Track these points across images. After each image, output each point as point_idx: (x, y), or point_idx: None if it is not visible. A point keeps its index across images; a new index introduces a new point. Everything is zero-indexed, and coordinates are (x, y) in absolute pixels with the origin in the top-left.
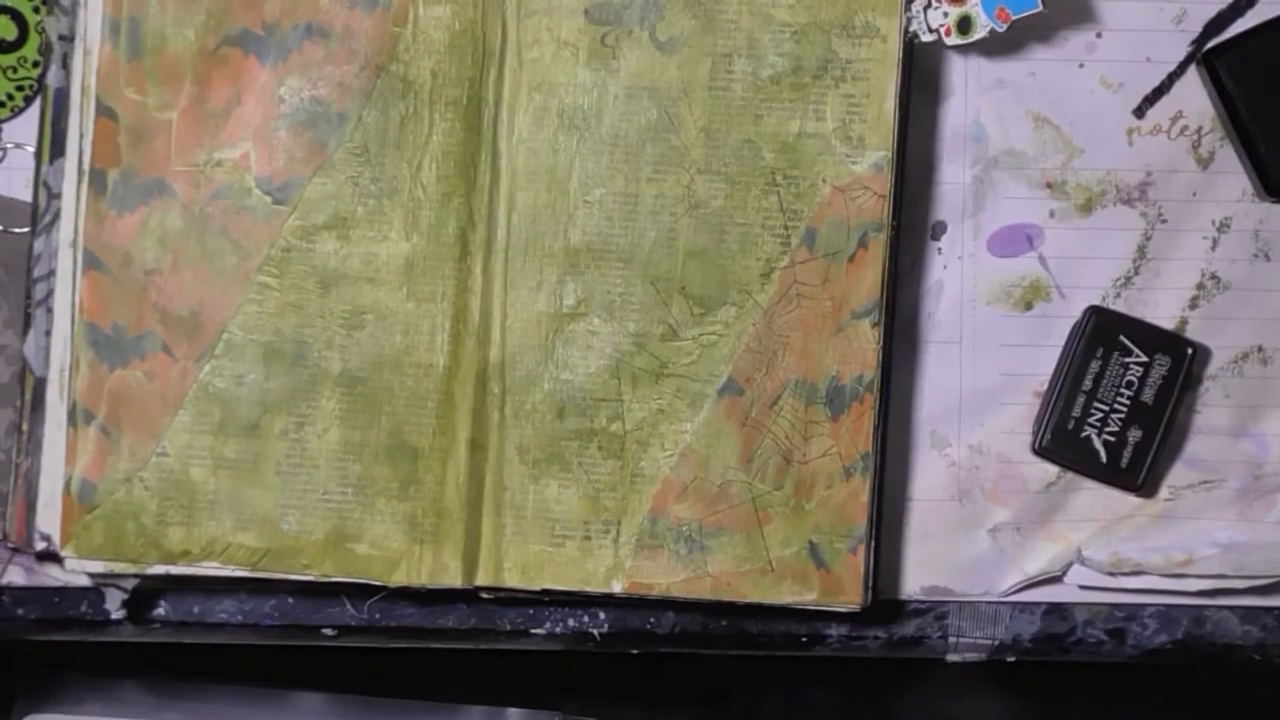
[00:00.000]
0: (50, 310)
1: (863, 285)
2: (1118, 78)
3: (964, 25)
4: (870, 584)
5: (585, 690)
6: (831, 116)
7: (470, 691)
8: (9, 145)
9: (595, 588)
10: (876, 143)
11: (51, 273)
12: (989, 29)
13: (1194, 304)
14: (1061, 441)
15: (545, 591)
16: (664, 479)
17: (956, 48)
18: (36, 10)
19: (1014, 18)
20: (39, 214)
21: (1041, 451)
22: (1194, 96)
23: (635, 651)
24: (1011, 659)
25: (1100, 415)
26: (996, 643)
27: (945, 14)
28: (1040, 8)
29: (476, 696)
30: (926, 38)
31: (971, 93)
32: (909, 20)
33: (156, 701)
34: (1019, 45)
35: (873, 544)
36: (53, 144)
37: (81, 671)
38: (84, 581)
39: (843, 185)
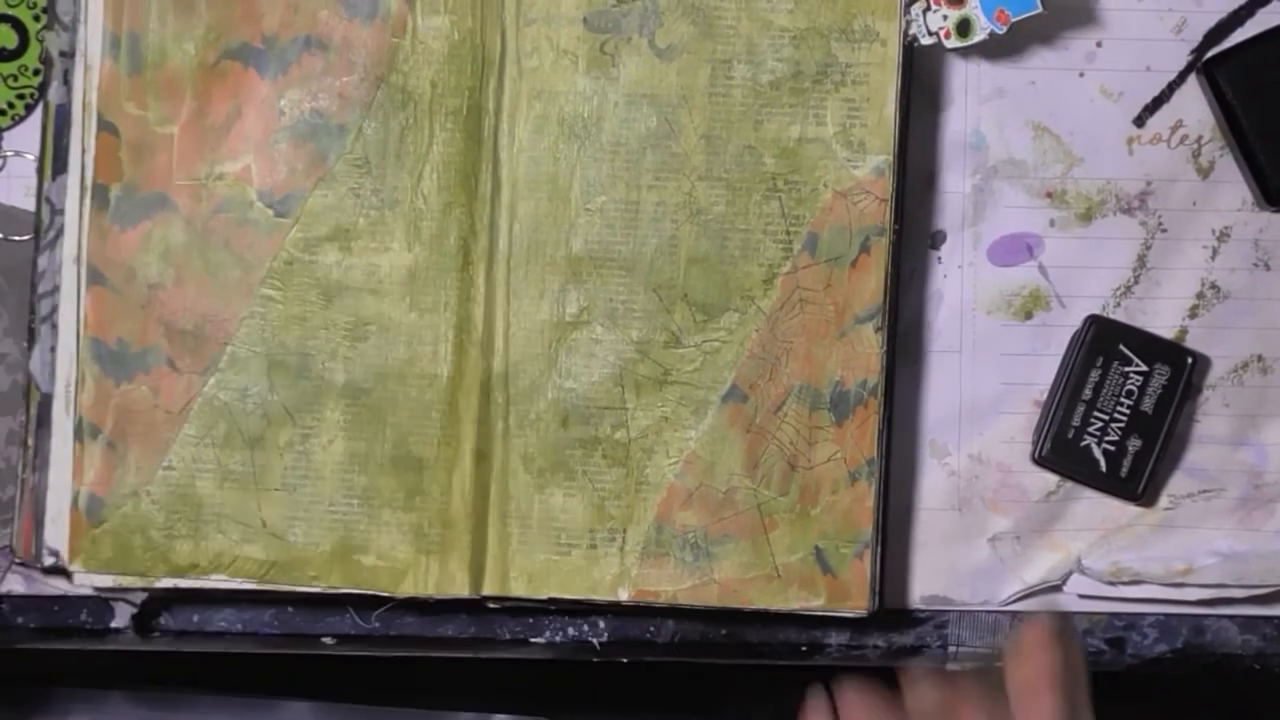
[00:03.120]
0: (55, 326)
1: (865, 290)
2: (1118, 87)
3: (963, 28)
4: (877, 589)
5: (574, 698)
6: (832, 121)
7: (459, 697)
8: (9, 153)
9: (602, 596)
10: (877, 146)
11: (55, 289)
12: (988, 31)
13: (1194, 313)
14: (1061, 451)
15: (551, 600)
16: (669, 486)
17: (956, 50)
18: (37, 19)
19: (1013, 19)
20: (42, 230)
21: (1041, 461)
22: (1194, 106)
23: (625, 660)
24: None
25: (1100, 424)
26: (996, 652)
27: (944, 17)
28: (1040, 9)
29: (465, 702)
30: (926, 41)
31: (971, 101)
32: (908, 23)
33: (145, 713)
34: (1019, 54)
35: (879, 549)
36: (55, 160)
37: (69, 683)
38: (85, 590)
39: (844, 190)
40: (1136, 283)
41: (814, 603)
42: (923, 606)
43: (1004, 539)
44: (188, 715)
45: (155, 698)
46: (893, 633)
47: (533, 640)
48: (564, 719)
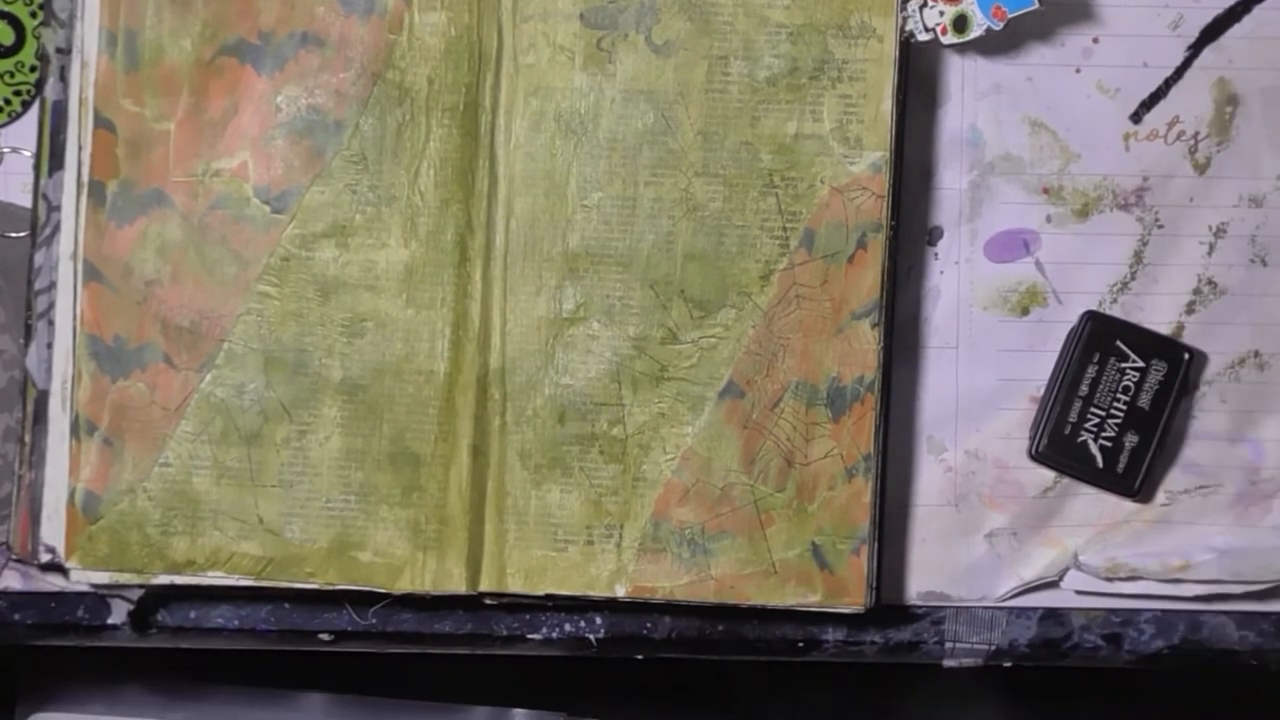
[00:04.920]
0: (51, 323)
1: (862, 286)
2: (1115, 83)
3: (960, 24)
4: (874, 585)
5: (591, 691)
6: (829, 117)
7: (475, 691)
8: (6, 150)
9: (599, 592)
10: (874, 143)
11: (52, 285)
12: (985, 27)
13: (1191, 309)
14: (1058, 447)
15: (548, 596)
16: (666, 482)
17: (953, 47)
18: (34, 15)
19: (1010, 15)
20: (39, 226)
21: (1038, 457)
22: (1191, 102)
23: (639, 657)
24: (1008, 664)
25: (1097, 420)
26: (993, 648)
27: (941, 13)
28: (1036, 5)
29: (482, 696)
30: (923, 37)
31: (968, 98)
32: (905, 20)
33: (161, 701)
34: (1016, 50)
35: (876, 545)
36: (51, 156)
37: (85, 671)
38: (82, 586)
39: (841, 186)
40: (1133, 279)
41: (811, 599)
42: (920, 603)
43: (1001, 535)
44: (203, 706)
45: (170, 688)
46: (889, 629)
47: (529, 636)
48: (582, 711)
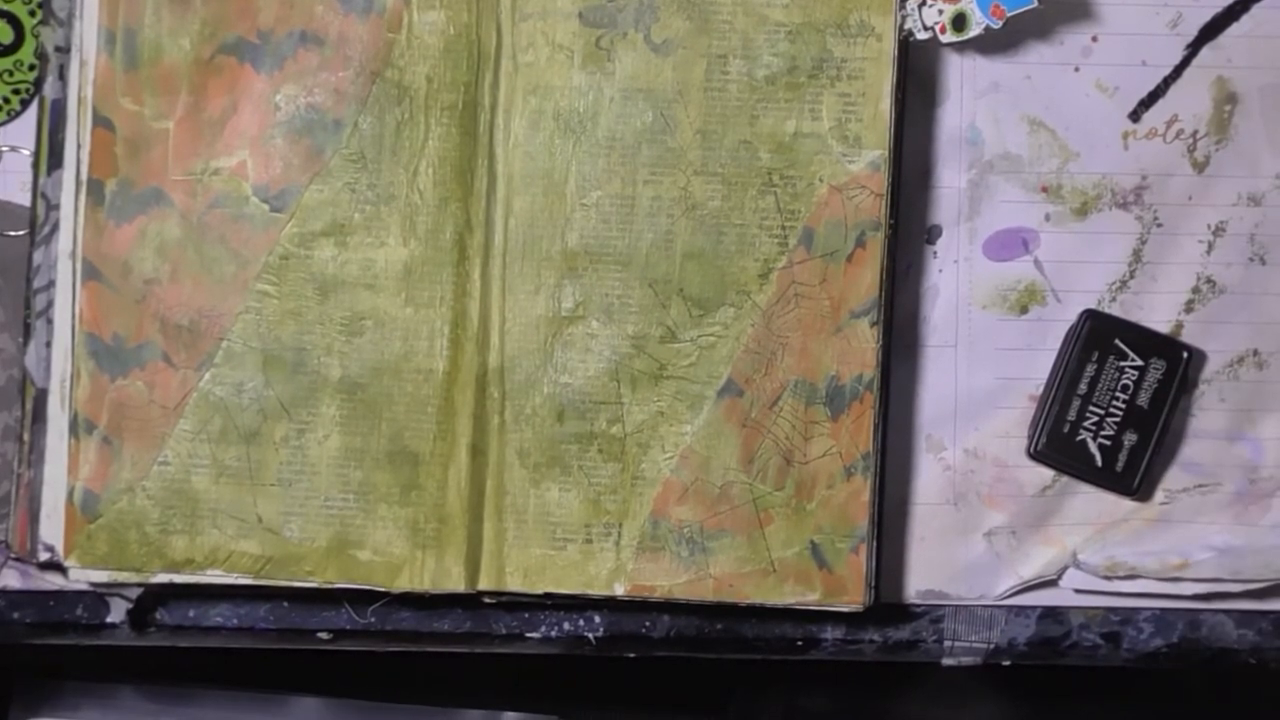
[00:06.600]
0: (50, 321)
1: (861, 285)
2: (1113, 81)
3: (959, 22)
4: (873, 584)
5: (584, 695)
6: (828, 116)
7: (468, 695)
8: (5, 148)
9: (598, 591)
10: (873, 141)
11: (51, 284)
12: (984, 26)
13: (1189, 308)
14: (1057, 445)
15: (547, 595)
16: (665, 481)
17: (952, 45)
18: (33, 14)
19: (1009, 14)
20: (38, 225)
21: (1037, 455)
22: (1190, 100)
23: (632, 655)
24: (1007, 663)
25: (1096, 419)
26: (992, 646)
27: (940, 11)
28: (1035, 3)
29: (474, 700)
30: (921, 35)
31: (967, 96)
32: (904, 18)
33: (153, 707)
34: (1014, 48)
35: (875, 544)
36: (50, 155)
37: (77, 677)
38: (81, 585)
39: (840, 185)
40: (1132, 277)
41: (809, 597)
42: (918, 601)
43: (1000, 534)
44: (197, 710)
45: (164, 692)
46: (888, 627)
47: (528, 635)
48: (574, 717)
